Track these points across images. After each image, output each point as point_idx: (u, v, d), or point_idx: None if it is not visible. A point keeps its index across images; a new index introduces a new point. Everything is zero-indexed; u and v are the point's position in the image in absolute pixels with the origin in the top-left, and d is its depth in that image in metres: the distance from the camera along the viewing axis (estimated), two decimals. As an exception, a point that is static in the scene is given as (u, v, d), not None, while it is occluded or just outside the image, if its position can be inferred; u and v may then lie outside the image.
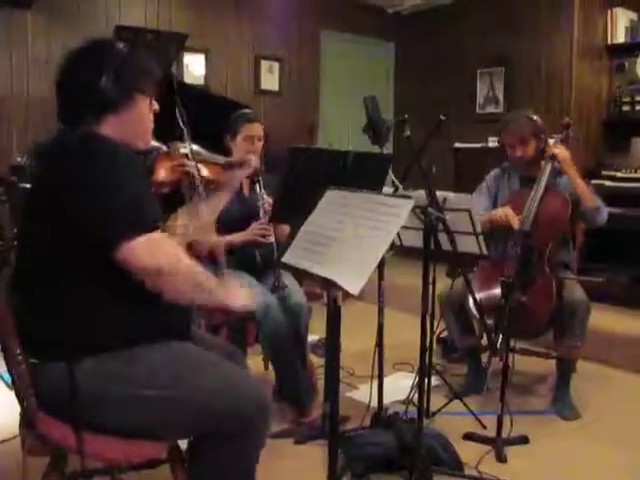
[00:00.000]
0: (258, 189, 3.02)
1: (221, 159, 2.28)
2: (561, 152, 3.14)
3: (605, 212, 3.18)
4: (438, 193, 2.48)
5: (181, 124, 2.18)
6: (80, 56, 1.73)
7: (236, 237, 3.06)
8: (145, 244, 1.54)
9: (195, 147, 2.21)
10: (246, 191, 3.13)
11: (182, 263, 1.64)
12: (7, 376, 1.71)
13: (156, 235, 1.58)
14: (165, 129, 2.00)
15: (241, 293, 1.82)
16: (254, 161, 2.27)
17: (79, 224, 1.57)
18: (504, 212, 3.18)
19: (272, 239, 3.02)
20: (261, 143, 3.19)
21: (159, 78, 1.84)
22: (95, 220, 1.55)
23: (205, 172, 2.17)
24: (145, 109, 1.79)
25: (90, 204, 1.56)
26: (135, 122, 1.77)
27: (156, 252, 1.56)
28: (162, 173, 2.11)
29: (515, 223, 3.12)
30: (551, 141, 3.22)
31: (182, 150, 2.16)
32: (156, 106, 1.83)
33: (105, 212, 1.55)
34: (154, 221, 1.61)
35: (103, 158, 1.60)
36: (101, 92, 1.67)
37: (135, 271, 1.55)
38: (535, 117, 3.29)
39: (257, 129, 3.18)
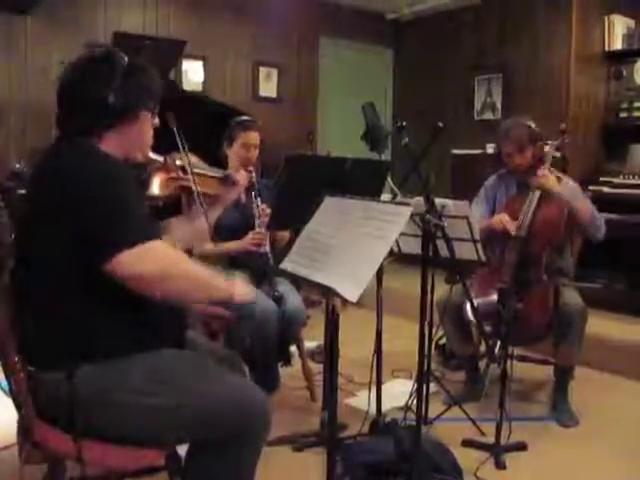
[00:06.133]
0: (253, 198, 3.03)
1: (218, 173, 2.28)
2: (546, 180, 3.15)
3: (602, 226, 3.19)
4: (436, 200, 2.49)
5: (177, 138, 2.16)
6: (86, 69, 1.73)
7: (232, 245, 3.06)
8: (132, 255, 1.54)
9: (193, 159, 2.20)
10: (244, 199, 3.14)
11: (177, 266, 1.64)
12: (5, 383, 1.71)
13: (145, 245, 1.57)
14: (163, 140, 1.99)
15: (243, 285, 1.83)
16: (245, 180, 2.30)
17: (71, 238, 1.57)
18: (500, 218, 3.19)
19: (267, 248, 3.03)
20: (257, 151, 3.20)
21: (162, 92, 1.84)
22: (85, 235, 1.56)
23: (201, 187, 2.15)
24: (147, 125, 1.81)
25: (81, 220, 1.56)
26: (136, 137, 1.80)
27: (144, 260, 1.55)
28: (156, 187, 2.10)
29: (511, 229, 3.13)
30: (539, 172, 3.20)
31: (178, 162, 2.15)
32: (157, 120, 1.85)
33: (94, 228, 1.56)
34: (144, 233, 1.59)
35: (98, 176, 1.61)
36: (107, 110, 1.68)
37: (125, 281, 1.55)
38: (532, 124, 3.29)
39: (254, 137, 3.20)
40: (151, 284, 1.58)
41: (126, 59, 1.74)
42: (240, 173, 2.37)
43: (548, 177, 3.15)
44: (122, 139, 1.75)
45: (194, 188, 2.12)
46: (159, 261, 1.59)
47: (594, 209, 3.21)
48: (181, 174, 2.14)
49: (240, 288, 1.80)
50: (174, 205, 2.31)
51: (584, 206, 3.18)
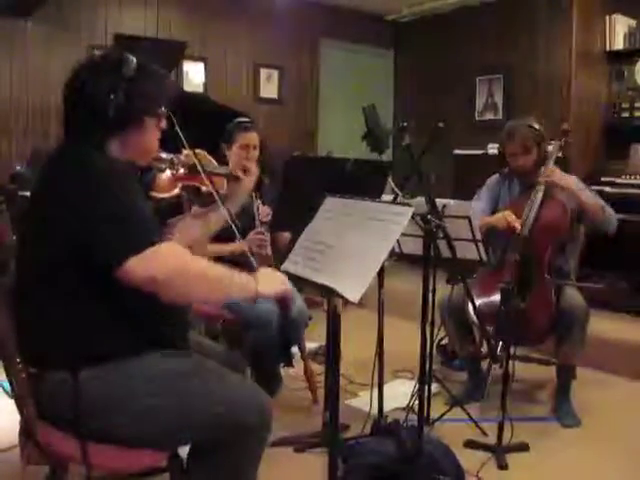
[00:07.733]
0: (254, 199, 3.03)
1: (224, 170, 2.26)
2: (555, 175, 3.15)
3: (614, 218, 3.19)
4: (438, 200, 2.49)
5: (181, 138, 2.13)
6: (92, 73, 1.71)
7: (234, 247, 3.05)
8: (141, 259, 1.52)
9: (203, 155, 2.17)
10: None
11: (192, 265, 1.62)
12: (7, 384, 1.71)
13: (153, 248, 1.54)
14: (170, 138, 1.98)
15: (273, 277, 1.80)
16: (250, 178, 2.27)
17: (74, 244, 1.56)
18: (505, 215, 3.18)
19: (269, 251, 3.03)
20: (257, 152, 3.20)
21: (170, 96, 1.83)
22: (92, 244, 1.55)
23: (206, 187, 2.12)
24: (153, 130, 1.80)
25: (87, 228, 1.55)
26: (141, 143, 1.78)
27: (153, 265, 1.53)
28: (162, 188, 2.08)
29: (517, 226, 3.11)
30: (546, 167, 3.20)
31: (184, 159, 2.12)
32: (164, 124, 1.83)
33: (101, 236, 1.54)
34: (150, 236, 1.58)
35: (99, 183, 1.59)
36: (110, 117, 1.66)
37: (139, 287, 1.54)
38: (537, 125, 3.28)
39: (253, 138, 3.20)
40: (165, 286, 1.56)
41: (134, 64, 1.71)
42: (249, 170, 2.33)
43: (556, 171, 3.16)
44: (126, 145, 1.74)
45: (208, 188, 2.08)
46: (169, 262, 1.56)
47: (602, 201, 3.21)
48: (187, 172, 2.10)
49: (265, 282, 1.75)
50: (176, 205, 2.30)
51: (591, 198, 3.18)
